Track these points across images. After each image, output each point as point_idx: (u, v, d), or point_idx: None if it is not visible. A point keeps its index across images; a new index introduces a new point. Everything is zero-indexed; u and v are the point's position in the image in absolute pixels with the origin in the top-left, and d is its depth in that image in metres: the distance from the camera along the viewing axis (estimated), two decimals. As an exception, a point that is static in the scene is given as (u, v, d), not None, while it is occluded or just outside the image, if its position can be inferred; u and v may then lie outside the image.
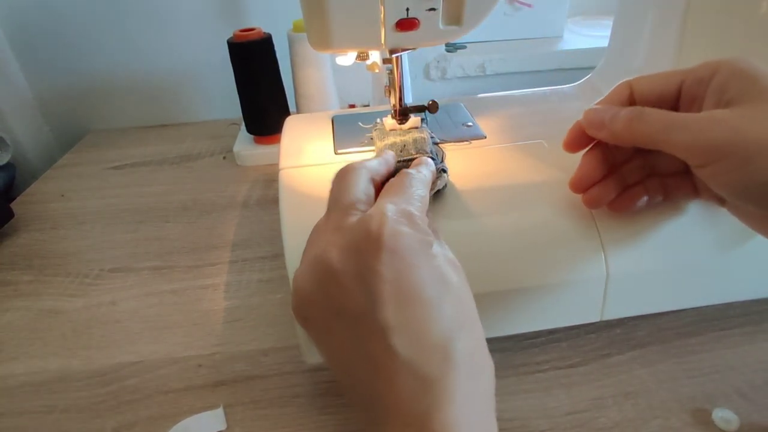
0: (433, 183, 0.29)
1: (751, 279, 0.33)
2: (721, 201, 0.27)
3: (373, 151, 0.37)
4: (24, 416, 0.33)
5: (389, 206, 0.22)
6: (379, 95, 0.63)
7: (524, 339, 0.35)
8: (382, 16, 0.30)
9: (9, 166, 0.65)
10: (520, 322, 0.31)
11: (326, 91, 0.63)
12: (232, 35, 0.58)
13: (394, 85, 0.36)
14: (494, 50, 0.78)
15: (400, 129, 0.37)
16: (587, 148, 0.29)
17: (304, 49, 0.60)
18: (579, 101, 0.44)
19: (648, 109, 0.25)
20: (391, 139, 0.36)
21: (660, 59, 0.38)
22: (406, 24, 0.30)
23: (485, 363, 0.21)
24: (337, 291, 0.21)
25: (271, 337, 0.37)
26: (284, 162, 0.37)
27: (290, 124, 0.44)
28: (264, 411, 0.32)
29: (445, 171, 0.31)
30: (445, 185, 0.31)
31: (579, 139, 0.29)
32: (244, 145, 0.64)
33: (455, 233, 0.29)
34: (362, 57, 0.35)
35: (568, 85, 0.47)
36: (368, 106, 0.68)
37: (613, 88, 0.28)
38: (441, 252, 0.22)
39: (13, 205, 0.55)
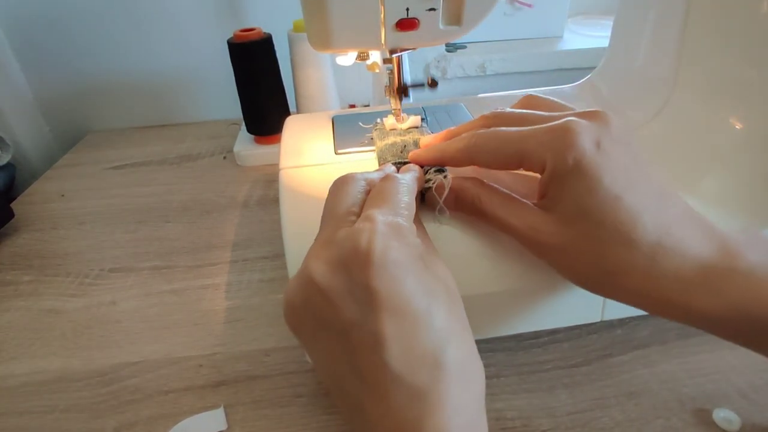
0: (422, 182, 0.29)
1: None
2: None
3: (373, 151, 0.37)
4: (24, 416, 0.33)
5: (378, 217, 0.22)
6: (379, 95, 0.63)
7: (526, 339, 0.35)
8: (382, 16, 0.30)
9: (9, 166, 0.65)
10: (521, 322, 0.31)
11: (326, 91, 0.63)
12: (232, 35, 0.58)
13: (394, 85, 0.36)
14: (494, 50, 0.78)
15: (401, 129, 0.37)
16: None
17: (304, 49, 0.60)
18: (579, 101, 0.44)
19: (485, 195, 0.27)
20: (391, 139, 0.36)
21: (660, 59, 0.38)
22: (406, 24, 0.30)
23: (476, 369, 0.21)
24: (324, 305, 0.20)
25: (273, 337, 0.37)
26: (284, 162, 0.37)
27: (290, 124, 0.44)
28: (265, 411, 0.32)
29: (442, 171, 0.31)
30: (447, 186, 0.31)
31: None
32: (244, 145, 0.64)
33: (456, 233, 0.29)
34: (362, 57, 0.35)
35: (568, 85, 0.47)
36: (368, 106, 0.68)
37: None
38: (430, 261, 0.22)
39: (13, 205, 0.55)
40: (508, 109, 0.29)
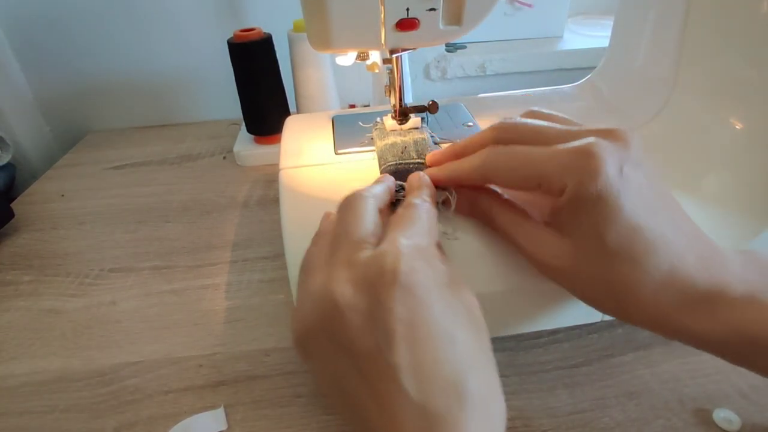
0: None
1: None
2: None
3: (373, 151, 0.37)
4: (24, 416, 0.33)
5: (403, 241, 0.21)
6: (379, 95, 0.63)
7: (526, 339, 0.35)
8: (382, 16, 0.30)
9: (9, 166, 0.65)
10: (522, 322, 0.31)
11: (326, 91, 0.63)
12: (232, 35, 0.58)
13: (394, 85, 0.36)
14: (494, 50, 0.78)
15: (401, 129, 0.37)
16: None
17: (304, 49, 0.60)
18: (579, 101, 0.44)
19: (497, 209, 0.27)
20: (391, 139, 0.36)
21: (660, 59, 0.38)
22: (406, 24, 0.30)
23: (498, 407, 0.20)
24: (345, 327, 0.20)
25: (273, 337, 0.37)
26: (284, 162, 0.37)
27: (290, 124, 0.44)
28: (265, 411, 0.32)
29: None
30: (453, 202, 0.30)
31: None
32: (244, 145, 0.64)
33: (456, 234, 0.29)
34: (362, 57, 0.35)
35: (568, 85, 0.47)
36: (368, 106, 0.68)
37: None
38: (456, 287, 0.21)
39: (13, 205, 0.55)
40: (520, 120, 0.27)
